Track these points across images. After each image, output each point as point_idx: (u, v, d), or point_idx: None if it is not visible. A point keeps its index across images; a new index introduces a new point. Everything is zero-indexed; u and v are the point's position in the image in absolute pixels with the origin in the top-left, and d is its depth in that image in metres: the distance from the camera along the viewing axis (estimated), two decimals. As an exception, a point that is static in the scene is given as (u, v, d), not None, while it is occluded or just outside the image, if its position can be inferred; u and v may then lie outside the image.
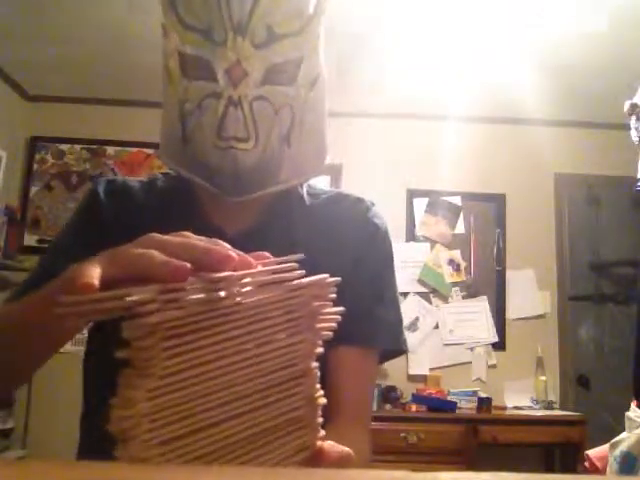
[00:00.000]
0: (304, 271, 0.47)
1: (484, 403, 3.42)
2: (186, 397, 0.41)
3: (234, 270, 0.44)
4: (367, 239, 0.84)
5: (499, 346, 3.79)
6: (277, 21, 0.73)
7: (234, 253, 0.44)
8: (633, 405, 1.60)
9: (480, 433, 3.25)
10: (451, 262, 3.87)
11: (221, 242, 0.45)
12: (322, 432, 0.49)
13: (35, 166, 3.93)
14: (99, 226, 0.81)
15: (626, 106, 1.63)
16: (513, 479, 0.33)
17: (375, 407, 3.31)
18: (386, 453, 3.02)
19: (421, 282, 3.82)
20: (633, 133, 1.62)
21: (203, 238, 0.46)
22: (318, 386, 0.49)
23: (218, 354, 0.42)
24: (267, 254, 0.48)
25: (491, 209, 3.98)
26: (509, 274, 3.88)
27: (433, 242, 3.90)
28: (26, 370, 0.70)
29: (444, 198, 3.94)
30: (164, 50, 0.77)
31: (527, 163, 3.94)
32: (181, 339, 0.40)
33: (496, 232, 3.94)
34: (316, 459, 0.47)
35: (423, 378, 3.69)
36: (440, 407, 3.38)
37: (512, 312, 3.84)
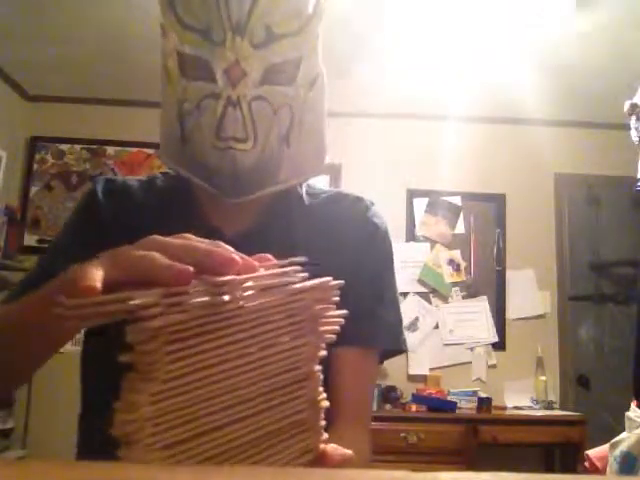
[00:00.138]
0: (307, 274, 0.47)
1: (484, 403, 3.42)
2: (189, 401, 0.41)
3: (237, 273, 0.43)
4: (367, 239, 0.84)
5: (499, 346, 3.79)
6: (276, 21, 0.73)
7: (237, 256, 0.43)
8: (633, 405, 1.60)
9: (480, 433, 3.25)
10: (451, 262, 3.87)
11: (223, 244, 0.45)
12: (325, 435, 0.49)
13: (35, 166, 3.93)
14: (97, 226, 0.81)
15: (626, 106, 1.63)
16: (513, 479, 0.33)
17: (375, 407, 3.31)
18: (386, 453, 3.02)
19: (421, 282, 3.82)
20: (633, 133, 1.62)
21: (205, 240, 0.45)
22: (321, 389, 0.49)
23: (221, 358, 0.42)
24: (269, 256, 0.48)
25: (491, 209, 3.98)
26: (509, 274, 3.88)
27: (433, 242, 3.90)
28: (25, 370, 0.70)
29: (444, 198, 3.94)
30: (163, 50, 0.77)
31: (527, 163, 3.94)
32: (184, 343, 0.40)
33: (496, 232, 3.94)
34: (319, 462, 0.47)
35: (423, 378, 3.69)
36: (440, 407, 3.38)
37: (512, 312, 3.84)
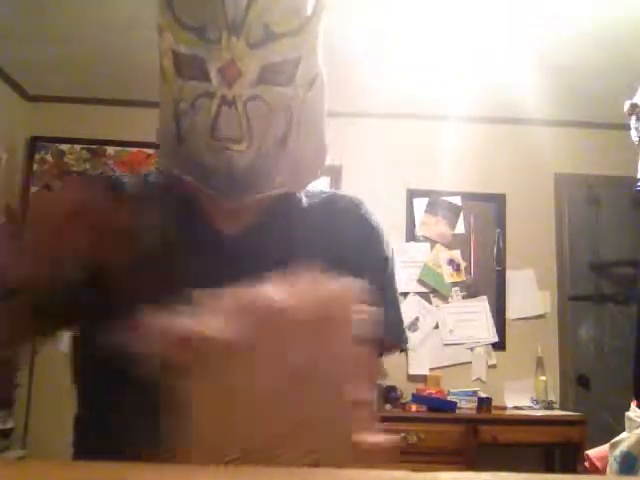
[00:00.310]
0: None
1: (484, 403, 3.42)
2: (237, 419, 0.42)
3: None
4: (365, 239, 0.84)
5: (499, 346, 3.79)
6: (275, 20, 0.72)
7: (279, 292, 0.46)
8: (633, 405, 1.60)
9: (480, 433, 3.25)
10: (451, 262, 3.87)
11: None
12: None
13: (35, 166, 3.92)
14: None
15: (626, 106, 1.63)
16: (513, 479, 0.33)
17: (375, 407, 3.31)
18: (386, 453, 3.02)
19: (421, 282, 3.82)
20: (633, 133, 1.61)
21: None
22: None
23: (265, 376, 0.43)
24: (317, 266, 0.49)
25: (491, 209, 3.98)
26: (509, 274, 3.88)
27: (433, 242, 3.90)
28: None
29: (444, 198, 3.94)
30: (159, 49, 0.77)
31: (527, 163, 3.94)
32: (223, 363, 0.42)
33: (496, 232, 3.94)
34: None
35: (423, 378, 3.69)
36: (440, 407, 3.37)
37: (512, 312, 3.84)
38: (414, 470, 0.41)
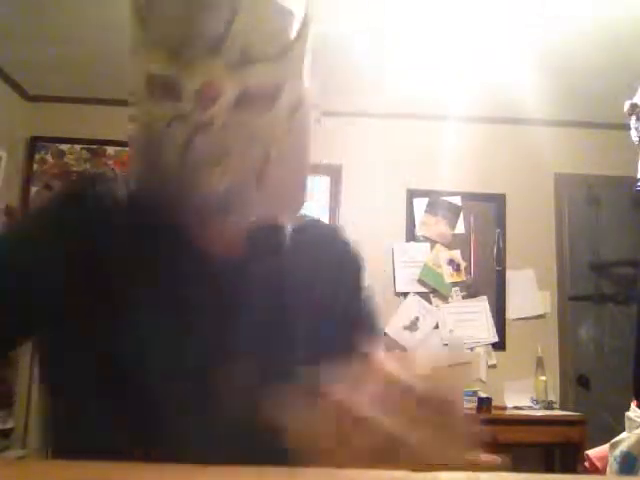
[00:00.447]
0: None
1: (484, 403, 3.42)
2: None
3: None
4: (339, 261, 0.85)
5: (499, 346, 3.79)
6: (254, 42, 0.66)
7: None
8: (633, 405, 1.60)
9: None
10: (451, 262, 3.87)
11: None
12: None
13: (35, 166, 3.93)
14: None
15: (626, 106, 1.63)
16: (513, 479, 0.33)
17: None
18: (386, 453, 3.02)
19: (421, 282, 3.82)
20: (633, 133, 1.62)
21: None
22: None
23: None
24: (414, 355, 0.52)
25: (491, 209, 3.98)
26: (509, 274, 3.88)
27: (433, 242, 3.90)
28: None
29: (444, 198, 3.94)
30: (131, 69, 0.71)
31: (527, 163, 3.94)
32: None
33: (496, 232, 3.94)
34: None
35: (423, 378, 3.68)
36: (440, 407, 3.37)
37: (512, 312, 3.84)
38: (414, 470, 0.41)
